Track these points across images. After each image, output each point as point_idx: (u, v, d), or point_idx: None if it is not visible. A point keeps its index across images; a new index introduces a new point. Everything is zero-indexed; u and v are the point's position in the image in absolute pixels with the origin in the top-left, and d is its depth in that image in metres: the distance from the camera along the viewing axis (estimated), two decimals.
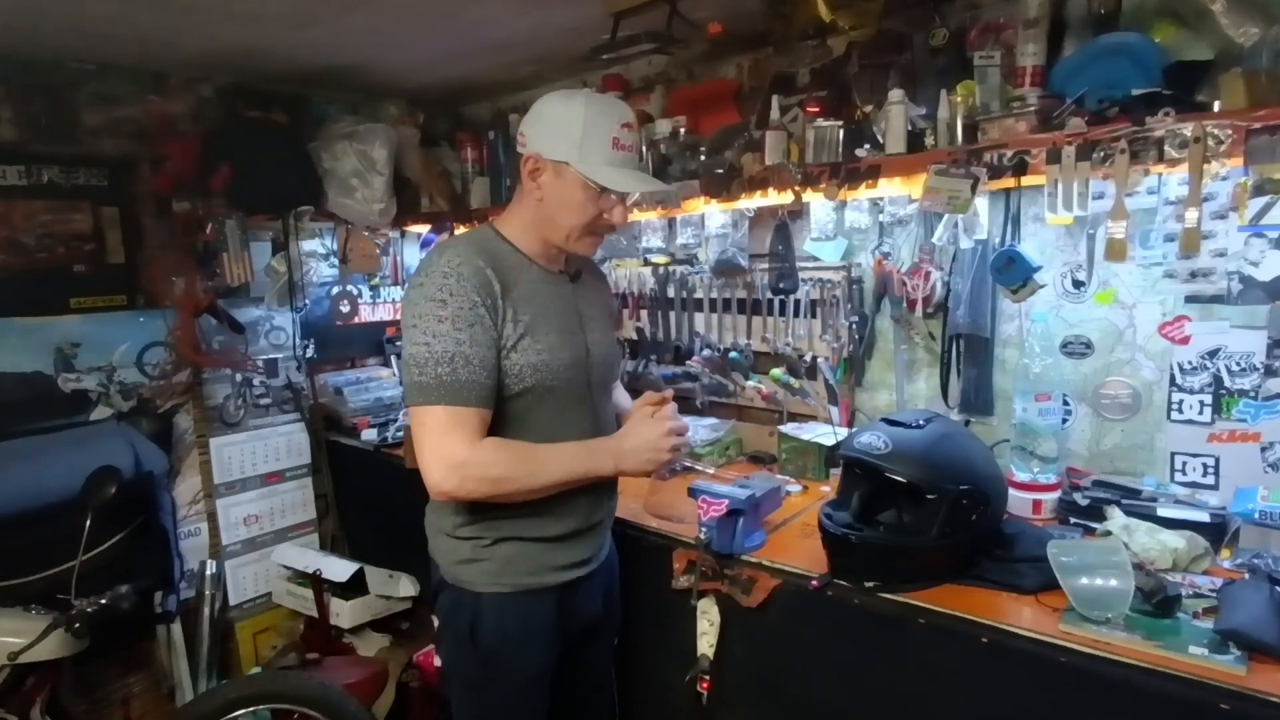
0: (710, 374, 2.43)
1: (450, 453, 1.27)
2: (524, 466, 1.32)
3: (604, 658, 1.70)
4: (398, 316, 3.22)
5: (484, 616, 1.42)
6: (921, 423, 1.52)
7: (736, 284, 2.38)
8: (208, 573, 2.69)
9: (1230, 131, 1.31)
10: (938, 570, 1.45)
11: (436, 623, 1.54)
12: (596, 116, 1.33)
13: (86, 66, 2.41)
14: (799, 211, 2.17)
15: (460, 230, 2.70)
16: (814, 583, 1.49)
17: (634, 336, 2.63)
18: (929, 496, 1.42)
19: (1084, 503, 1.66)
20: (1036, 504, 1.71)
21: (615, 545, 1.66)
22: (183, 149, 2.57)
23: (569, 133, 1.32)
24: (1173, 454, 1.72)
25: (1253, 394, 1.61)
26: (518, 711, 1.48)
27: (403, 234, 3.18)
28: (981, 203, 1.80)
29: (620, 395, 1.80)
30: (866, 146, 1.77)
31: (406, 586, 2.61)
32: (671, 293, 2.54)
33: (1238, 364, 1.63)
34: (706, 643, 1.66)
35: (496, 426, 1.35)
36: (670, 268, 2.53)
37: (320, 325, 3.04)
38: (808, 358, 2.24)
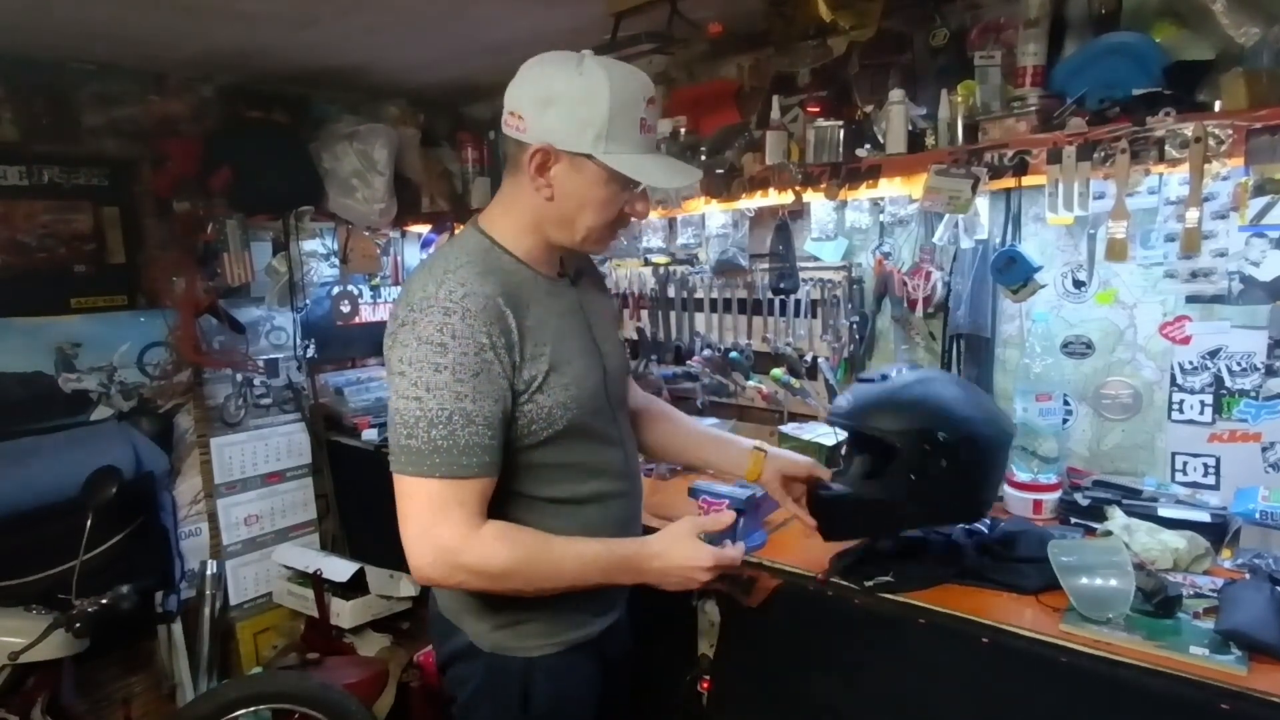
0: (710, 374, 2.43)
1: (440, 536, 1.06)
2: (530, 566, 1.11)
3: (624, 680, 1.52)
4: None
5: (537, 683, 1.23)
6: (891, 374, 1.45)
7: (737, 284, 2.38)
8: (208, 573, 2.69)
9: (1231, 131, 1.31)
10: (916, 518, 1.40)
11: (459, 695, 1.30)
12: (623, 96, 1.08)
13: (87, 67, 2.41)
14: (799, 211, 2.17)
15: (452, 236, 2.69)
16: (818, 577, 1.48)
17: (634, 336, 2.63)
18: (896, 445, 1.36)
19: (1085, 503, 1.66)
20: (1037, 504, 1.71)
21: None
22: (183, 149, 2.56)
23: (592, 118, 1.07)
24: (1173, 454, 1.72)
25: (1253, 394, 1.61)
26: None
27: (403, 234, 3.18)
28: (982, 203, 1.80)
29: (632, 390, 1.61)
30: (867, 146, 1.77)
31: (407, 586, 2.61)
32: (672, 293, 2.54)
33: (1238, 364, 1.62)
34: (706, 643, 1.66)
35: (520, 479, 1.16)
36: (670, 268, 2.53)
37: (321, 325, 3.04)
38: (808, 358, 2.24)
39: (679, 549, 1.18)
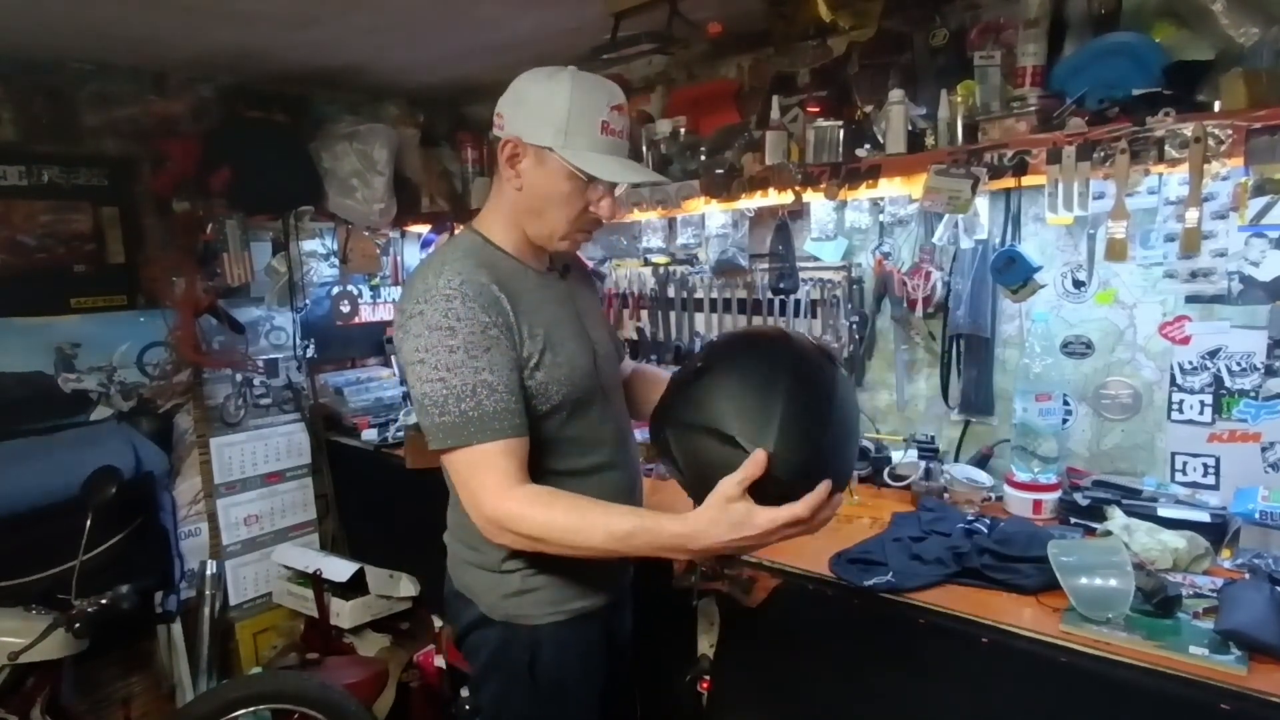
0: None
1: (482, 501, 1.16)
2: (560, 532, 1.14)
3: (626, 669, 1.62)
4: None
5: (543, 649, 1.32)
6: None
7: (737, 284, 2.38)
8: (208, 573, 2.69)
9: (1230, 131, 1.31)
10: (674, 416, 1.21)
11: (473, 665, 1.40)
12: (583, 97, 1.20)
13: (87, 66, 2.41)
14: (799, 211, 2.17)
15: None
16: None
17: (634, 336, 2.63)
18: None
19: (1084, 503, 1.66)
20: (1037, 504, 1.71)
21: None
22: (183, 149, 2.56)
23: (552, 115, 1.19)
24: (1173, 454, 1.72)
25: (1253, 394, 1.61)
26: None
27: (403, 234, 3.18)
28: (982, 203, 1.80)
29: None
30: (867, 146, 1.77)
31: (407, 586, 2.61)
32: (672, 293, 2.54)
33: (1238, 364, 1.62)
34: (706, 643, 1.67)
35: (531, 453, 1.23)
36: (670, 268, 2.53)
37: (320, 325, 3.04)
38: None
39: (720, 528, 1.07)
